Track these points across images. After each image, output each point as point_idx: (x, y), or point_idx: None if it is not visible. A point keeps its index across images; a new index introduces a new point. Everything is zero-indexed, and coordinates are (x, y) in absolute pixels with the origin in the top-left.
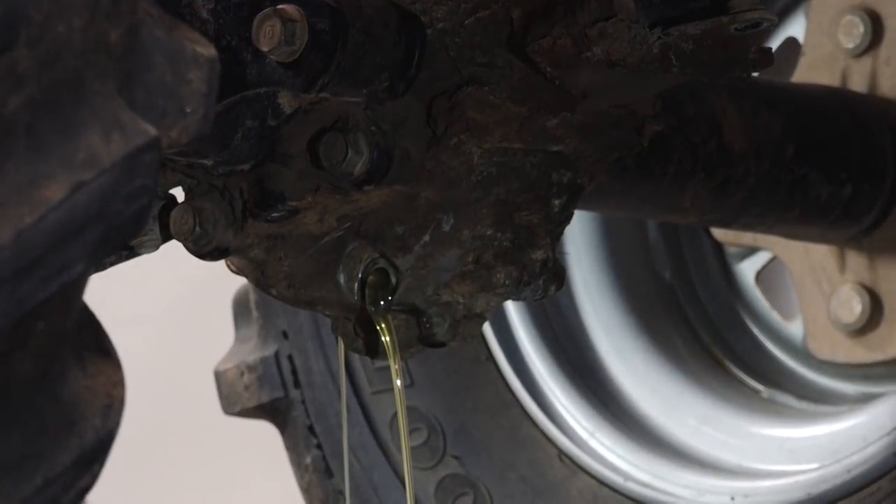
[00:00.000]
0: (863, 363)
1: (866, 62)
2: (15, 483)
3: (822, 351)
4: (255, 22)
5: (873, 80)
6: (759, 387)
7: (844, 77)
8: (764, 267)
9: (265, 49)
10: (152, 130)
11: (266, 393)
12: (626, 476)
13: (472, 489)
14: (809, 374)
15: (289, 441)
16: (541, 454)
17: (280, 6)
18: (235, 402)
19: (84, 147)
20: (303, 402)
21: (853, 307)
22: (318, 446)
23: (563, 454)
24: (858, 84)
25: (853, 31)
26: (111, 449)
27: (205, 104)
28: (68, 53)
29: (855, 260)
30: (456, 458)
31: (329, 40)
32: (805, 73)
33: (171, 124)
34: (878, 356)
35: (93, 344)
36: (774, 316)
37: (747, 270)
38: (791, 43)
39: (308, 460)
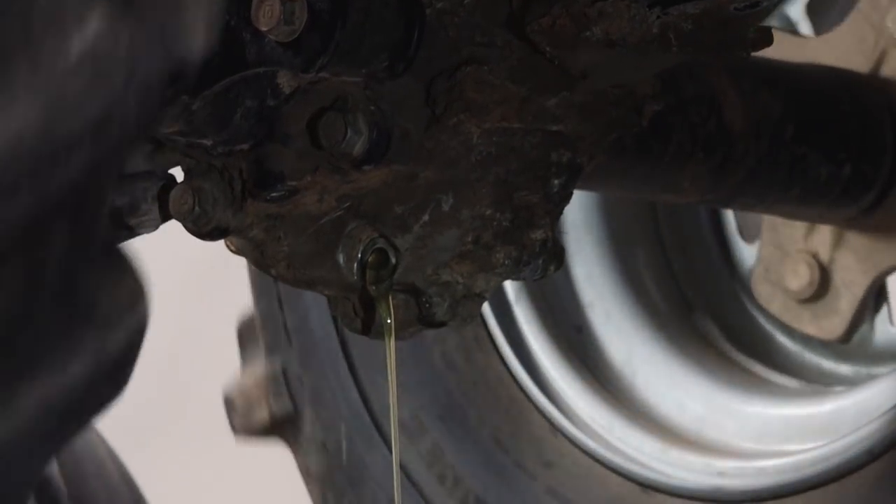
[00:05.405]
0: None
1: None
2: (29, 389)
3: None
4: (255, 1)
5: None
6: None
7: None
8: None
9: (264, 28)
10: None
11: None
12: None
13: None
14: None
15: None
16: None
17: None
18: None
19: None
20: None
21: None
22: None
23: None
24: None
25: None
26: (135, 363)
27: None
28: None
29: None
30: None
31: (328, 20)
32: None
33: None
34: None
35: (117, 256)
36: None
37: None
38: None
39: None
